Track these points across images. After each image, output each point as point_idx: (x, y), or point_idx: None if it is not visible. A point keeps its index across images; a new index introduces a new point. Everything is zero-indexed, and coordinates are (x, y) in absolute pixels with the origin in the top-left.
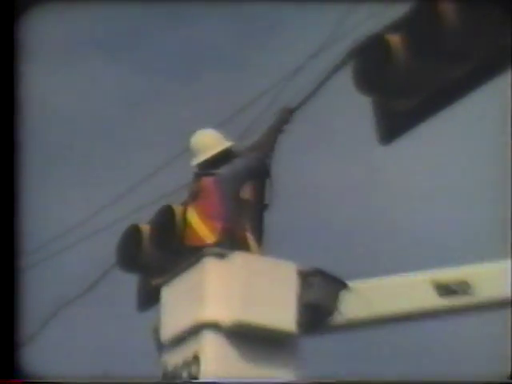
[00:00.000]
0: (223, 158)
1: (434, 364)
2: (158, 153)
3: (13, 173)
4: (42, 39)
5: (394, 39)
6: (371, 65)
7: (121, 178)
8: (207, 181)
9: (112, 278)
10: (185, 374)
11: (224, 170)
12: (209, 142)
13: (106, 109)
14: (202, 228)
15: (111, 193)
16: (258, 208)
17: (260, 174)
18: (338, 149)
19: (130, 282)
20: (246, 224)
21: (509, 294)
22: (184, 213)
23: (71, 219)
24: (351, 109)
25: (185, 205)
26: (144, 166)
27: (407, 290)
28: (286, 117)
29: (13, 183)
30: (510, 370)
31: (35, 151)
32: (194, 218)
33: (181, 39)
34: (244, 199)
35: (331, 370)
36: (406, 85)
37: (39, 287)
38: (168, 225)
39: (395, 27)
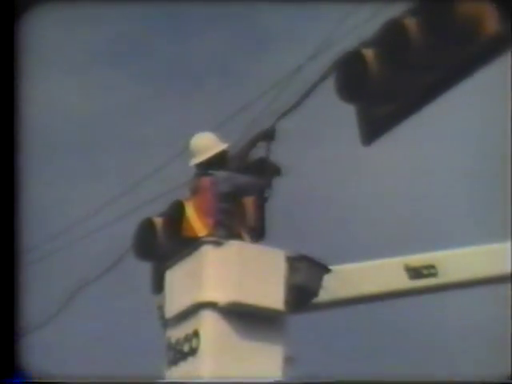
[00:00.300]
0: (219, 159)
1: (435, 364)
2: (157, 152)
3: (13, 172)
4: (42, 40)
5: (369, 53)
6: (351, 77)
7: (123, 175)
8: (205, 180)
9: (108, 280)
10: (186, 347)
11: (222, 175)
12: (206, 144)
13: (106, 109)
14: (196, 222)
15: (116, 189)
16: (257, 206)
17: (258, 194)
18: (327, 148)
19: (127, 285)
20: (239, 221)
21: (471, 276)
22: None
23: (71, 216)
24: (337, 114)
25: (187, 200)
26: (143, 165)
27: (382, 273)
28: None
29: (13, 182)
30: (510, 370)
31: (37, 150)
32: (191, 211)
33: (180, 43)
34: (240, 200)
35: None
36: (383, 93)
37: (40, 288)
38: (179, 217)
39: (369, 42)
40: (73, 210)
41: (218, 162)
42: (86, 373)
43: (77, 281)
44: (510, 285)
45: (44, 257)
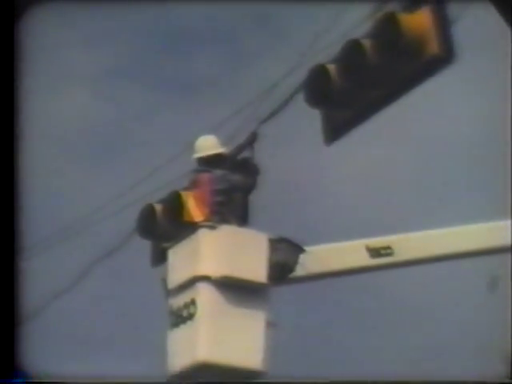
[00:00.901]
0: (217, 158)
1: (435, 364)
2: (157, 152)
3: (15, 168)
4: (42, 40)
5: (332, 68)
6: (317, 87)
7: (126, 171)
8: (204, 176)
9: (101, 281)
10: (185, 313)
11: (219, 173)
12: (208, 144)
13: (107, 110)
14: (195, 210)
15: (124, 182)
16: (243, 199)
17: (248, 190)
18: (300, 147)
19: (124, 289)
20: (230, 211)
21: (424, 255)
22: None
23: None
24: (307, 118)
25: (186, 190)
26: (142, 163)
27: (348, 253)
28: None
29: (13, 179)
30: (510, 370)
31: (38, 149)
32: (190, 201)
33: (180, 59)
34: (231, 194)
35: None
36: (343, 101)
37: (40, 288)
38: (176, 204)
39: (332, 59)
40: (82, 201)
41: (215, 160)
42: (86, 373)
43: (85, 262)
44: (510, 286)
45: (47, 249)
